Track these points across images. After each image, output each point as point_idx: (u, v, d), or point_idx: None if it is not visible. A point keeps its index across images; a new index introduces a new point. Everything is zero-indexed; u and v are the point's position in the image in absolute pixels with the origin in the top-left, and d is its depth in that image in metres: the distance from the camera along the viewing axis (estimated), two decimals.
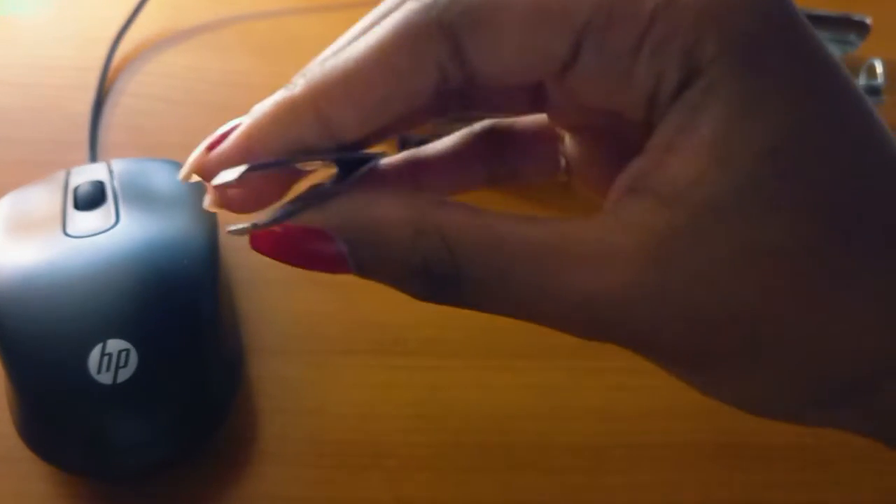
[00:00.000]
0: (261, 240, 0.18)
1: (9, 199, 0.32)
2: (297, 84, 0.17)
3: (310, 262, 0.18)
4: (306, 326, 0.32)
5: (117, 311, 0.27)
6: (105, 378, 0.26)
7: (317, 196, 0.18)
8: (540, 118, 0.22)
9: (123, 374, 0.26)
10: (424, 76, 0.17)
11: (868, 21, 0.41)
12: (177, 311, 0.28)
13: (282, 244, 0.18)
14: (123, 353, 0.26)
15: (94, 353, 0.26)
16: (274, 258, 0.18)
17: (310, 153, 0.18)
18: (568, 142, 0.22)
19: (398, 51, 0.17)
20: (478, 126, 0.23)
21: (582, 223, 0.17)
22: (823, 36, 0.41)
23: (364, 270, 0.18)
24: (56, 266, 0.28)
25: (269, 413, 0.30)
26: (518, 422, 0.30)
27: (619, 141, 0.19)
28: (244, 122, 0.18)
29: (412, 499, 0.28)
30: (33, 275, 0.28)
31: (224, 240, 0.31)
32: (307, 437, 0.29)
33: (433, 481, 0.28)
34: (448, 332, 0.32)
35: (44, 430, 0.26)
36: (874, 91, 0.38)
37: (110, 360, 0.26)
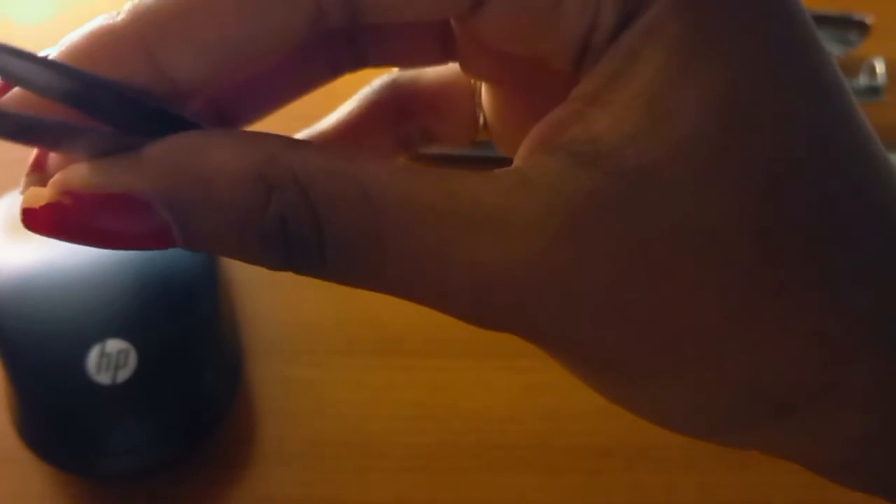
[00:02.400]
0: (39, 216, 0.13)
1: (9, 199, 0.32)
2: (122, 11, 0.13)
3: (116, 240, 0.14)
4: (306, 327, 0.32)
5: (116, 312, 0.27)
6: (104, 378, 0.26)
7: (115, 145, 0.13)
8: (449, 69, 0.19)
9: (122, 375, 0.26)
10: (292, 7, 0.13)
11: (868, 21, 0.41)
12: (176, 311, 0.28)
13: (72, 219, 0.13)
14: (122, 354, 0.26)
15: (94, 353, 0.26)
16: (62, 238, 0.14)
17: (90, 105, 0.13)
18: (485, 94, 0.19)
19: None
20: (376, 83, 0.19)
21: (477, 181, 0.13)
22: (824, 36, 0.41)
23: (196, 242, 0.14)
24: (55, 266, 0.28)
25: (268, 413, 0.30)
26: (518, 422, 0.30)
27: (544, 93, 0.16)
28: (51, 53, 0.14)
29: (412, 499, 0.28)
30: (33, 275, 0.28)
31: None
32: (307, 437, 0.29)
33: (433, 482, 0.28)
34: (448, 332, 0.32)
35: (43, 430, 0.26)
36: (875, 91, 0.38)
37: (109, 360, 0.26)
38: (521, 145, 0.14)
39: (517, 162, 0.14)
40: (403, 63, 0.18)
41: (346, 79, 0.18)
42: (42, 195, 0.13)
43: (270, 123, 0.16)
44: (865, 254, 0.14)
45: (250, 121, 0.17)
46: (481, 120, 0.19)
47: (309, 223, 0.13)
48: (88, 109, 0.13)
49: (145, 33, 0.13)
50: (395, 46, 0.17)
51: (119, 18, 0.13)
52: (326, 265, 0.14)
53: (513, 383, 0.31)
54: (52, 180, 0.14)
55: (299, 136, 0.18)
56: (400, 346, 0.32)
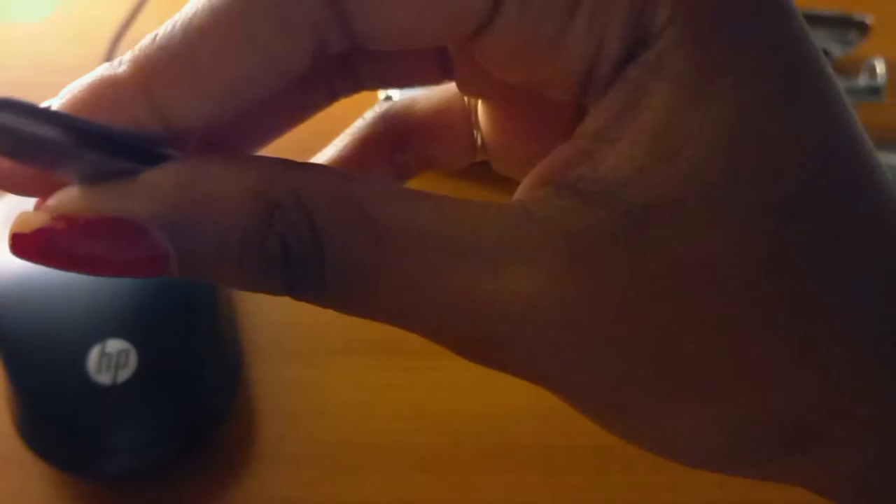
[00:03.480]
0: (29, 241, 0.13)
1: (8, 199, 0.32)
2: (123, 61, 0.13)
3: (108, 267, 0.13)
4: (306, 327, 0.32)
5: (117, 312, 0.27)
6: (104, 378, 0.26)
7: (111, 169, 0.13)
8: (443, 92, 0.19)
9: (123, 375, 0.26)
10: (295, 44, 0.13)
11: (868, 21, 0.41)
12: (176, 311, 0.28)
13: (63, 245, 0.13)
14: (123, 354, 0.26)
15: (94, 353, 0.26)
16: (51, 265, 0.13)
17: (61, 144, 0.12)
18: (482, 112, 0.18)
19: (256, 11, 0.13)
20: (369, 116, 0.18)
21: (480, 211, 0.13)
22: (824, 35, 0.41)
23: (193, 267, 0.13)
24: None
25: (268, 414, 0.30)
26: (518, 422, 0.30)
27: (544, 109, 0.16)
28: (53, 104, 0.13)
29: (412, 499, 0.28)
30: (33, 275, 0.28)
31: None
32: (307, 437, 0.29)
33: (433, 482, 0.28)
34: None
35: (43, 429, 0.26)
36: (875, 91, 0.38)
37: (110, 360, 0.26)
38: (525, 180, 0.14)
39: (520, 196, 0.14)
40: (400, 84, 0.18)
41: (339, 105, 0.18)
42: (33, 220, 0.13)
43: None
44: (875, 283, 0.14)
45: (221, 123, 0.17)
46: (478, 141, 0.19)
47: (311, 244, 0.13)
48: (84, 150, 0.13)
49: (146, 82, 0.13)
50: (393, 69, 0.17)
51: (120, 69, 0.13)
52: (326, 289, 0.14)
53: (513, 383, 0.31)
54: (44, 205, 0.13)
55: None
56: (400, 346, 0.31)
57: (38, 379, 0.26)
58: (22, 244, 0.13)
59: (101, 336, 0.26)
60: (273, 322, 0.32)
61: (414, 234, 0.13)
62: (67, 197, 0.13)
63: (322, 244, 0.13)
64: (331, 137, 0.19)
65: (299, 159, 0.18)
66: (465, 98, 0.18)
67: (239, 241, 0.13)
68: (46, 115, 0.12)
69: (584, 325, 0.13)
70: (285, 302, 0.35)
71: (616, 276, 0.13)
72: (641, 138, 0.13)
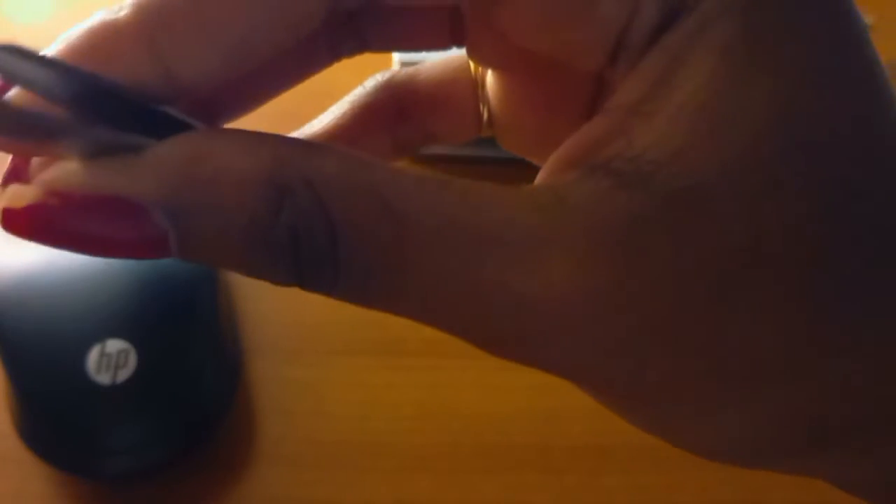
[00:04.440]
0: (21, 217, 0.12)
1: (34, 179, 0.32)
2: (124, 5, 0.12)
3: (105, 247, 0.12)
4: (306, 327, 0.32)
5: (117, 312, 0.27)
6: (104, 378, 0.26)
7: (112, 145, 0.12)
8: (450, 61, 0.18)
9: (122, 375, 0.26)
10: None
11: (868, 20, 0.41)
12: (176, 311, 0.28)
13: (57, 223, 0.12)
14: (122, 354, 0.26)
15: (94, 353, 0.26)
16: (44, 242, 0.12)
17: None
18: (492, 84, 0.17)
19: None
20: (370, 84, 0.17)
21: (507, 197, 0.12)
22: None
23: (195, 252, 0.12)
24: (55, 266, 0.28)
25: (268, 414, 0.30)
26: (518, 422, 0.30)
27: (559, 89, 0.15)
28: (48, 53, 0.13)
29: (412, 499, 0.28)
30: (33, 275, 0.28)
31: None
32: (306, 437, 0.29)
33: (433, 482, 0.28)
34: None
35: (43, 429, 0.26)
36: None
37: (109, 360, 0.26)
38: (550, 160, 0.13)
39: (547, 178, 0.13)
40: (406, 48, 0.16)
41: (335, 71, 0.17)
42: (25, 194, 0.12)
43: (253, 124, 0.15)
44: None
45: (238, 113, 0.16)
46: (485, 115, 0.18)
47: (323, 234, 0.12)
48: (86, 110, 0.12)
49: (150, 29, 0.12)
50: (400, 30, 0.16)
51: (121, 14, 0.12)
52: (339, 282, 0.13)
53: (513, 383, 0.31)
54: (37, 179, 0.13)
55: None
56: (400, 346, 0.31)
57: (37, 379, 0.26)
58: (12, 220, 0.12)
59: (100, 336, 0.26)
60: (273, 322, 0.32)
61: (437, 223, 0.12)
62: (63, 172, 0.12)
63: (335, 234, 0.12)
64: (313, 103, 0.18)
65: (285, 128, 0.16)
66: (473, 69, 0.17)
67: (245, 228, 0.12)
68: (45, 60, 0.12)
69: (623, 321, 0.12)
70: (285, 302, 0.35)
71: (658, 268, 0.12)
72: (682, 113, 0.12)
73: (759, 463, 0.14)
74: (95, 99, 0.12)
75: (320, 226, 0.12)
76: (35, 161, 0.13)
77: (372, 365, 0.31)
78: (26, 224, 0.12)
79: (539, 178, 0.13)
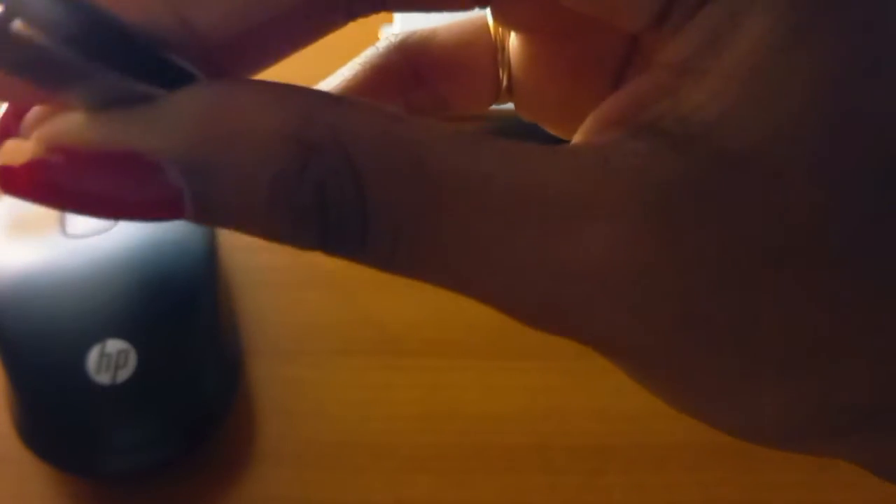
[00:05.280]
0: (20, 175, 0.11)
1: (8, 199, 0.32)
2: None
3: (113, 208, 0.11)
4: (305, 327, 0.32)
5: (116, 312, 0.27)
6: (104, 378, 0.26)
7: (122, 94, 0.11)
8: (467, 23, 0.17)
9: (122, 375, 0.26)
10: None
11: None
12: (176, 311, 0.28)
13: (61, 181, 0.11)
14: (122, 354, 0.26)
15: (94, 353, 0.26)
16: (46, 203, 0.11)
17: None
18: (516, 47, 0.16)
19: None
20: (382, 45, 0.16)
21: (547, 157, 0.12)
22: None
23: (212, 215, 0.12)
24: (55, 266, 0.28)
25: (267, 414, 0.30)
26: (518, 422, 0.30)
27: (592, 52, 0.15)
28: None
29: (412, 499, 0.28)
30: (33, 275, 0.28)
31: (223, 240, 0.31)
32: (306, 437, 0.29)
33: (433, 482, 0.28)
34: (448, 333, 0.32)
35: (43, 429, 0.26)
36: None
37: (109, 360, 0.26)
38: (590, 118, 0.13)
39: (588, 137, 0.12)
40: (425, 6, 0.15)
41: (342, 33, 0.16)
42: (24, 150, 0.11)
43: None
44: None
45: (248, 73, 0.15)
46: (504, 81, 0.17)
47: (352, 194, 0.11)
48: (94, 52, 0.11)
49: None
50: None
51: None
52: (367, 246, 0.12)
53: (513, 383, 0.31)
54: (37, 133, 0.11)
55: None
56: (400, 346, 0.31)
57: (37, 379, 0.26)
58: (10, 179, 0.11)
59: (100, 336, 0.26)
60: (273, 322, 0.32)
61: (475, 184, 0.11)
62: (67, 124, 0.11)
63: (365, 194, 0.11)
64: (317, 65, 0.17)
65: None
66: (493, 32, 0.16)
67: (268, 187, 0.11)
68: None
69: (670, 290, 0.12)
70: (285, 302, 0.35)
71: (707, 235, 0.11)
72: (735, 73, 0.11)
73: (795, 445, 0.14)
74: (104, 40, 0.11)
75: (349, 185, 0.11)
76: (30, 115, 0.12)
77: (372, 365, 0.31)
78: (26, 183, 0.11)
79: (578, 137, 0.13)
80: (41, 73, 0.11)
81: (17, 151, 0.11)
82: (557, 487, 0.28)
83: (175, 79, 0.12)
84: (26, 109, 0.12)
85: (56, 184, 0.11)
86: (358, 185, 0.11)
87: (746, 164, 0.11)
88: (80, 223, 0.30)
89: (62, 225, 0.30)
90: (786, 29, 0.11)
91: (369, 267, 0.12)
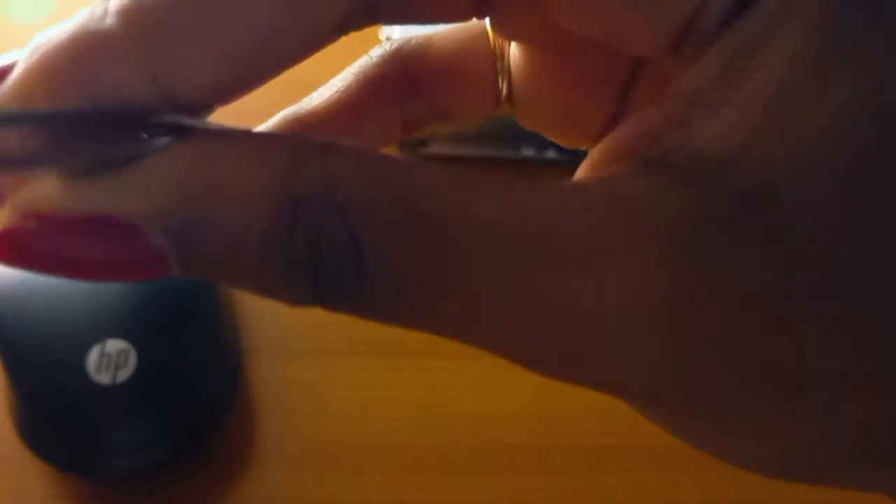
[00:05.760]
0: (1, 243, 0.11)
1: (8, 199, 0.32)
2: (109, 12, 0.10)
3: (93, 270, 0.11)
4: (305, 327, 0.32)
5: (117, 312, 0.27)
6: (104, 378, 0.26)
7: (90, 158, 0.11)
8: (466, 30, 0.16)
9: (122, 375, 0.26)
10: None
11: None
12: (176, 311, 0.28)
13: (37, 248, 0.11)
14: (122, 354, 0.26)
15: (94, 353, 0.26)
16: (24, 269, 0.11)
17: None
18: (517, 56, 0.16)
19: None
20: (377, 53, 0.16)
21: (557, 197, 0.11)
22: None
23: (198, 273, 0.11)
24: None
25: (268, 414, 0.30)
26: (518, 422, 0.30)
27: (594, 65, 0.14)
28: (19, 66, 0.11)
29: (412, 499, 0.28)
30: (33, 275, 0.28)
31: None
32: (306, 437, 0.29)
33: (433, 482, 0.28)
34: None
35: (43, 429, 0.26)
36: None
37: (109, 360, 0.26)
38: (596, 150, 0.12)
39: (595, 170, 0.12)
40: (421, 20, 0.14)
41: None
42: None
43: (250, 98, 0.13)
44: None
45: (236, 95, 0.14)
46: (504, 90, 0.16)
47: (346, 246, 0.11)
48: (62, 126, 0.10)
49: (144, 41, 0.10)
50: (418, 1, 0.14)
51: (108, 22, 0.10)
52: (365, 300, 0.11)
53: (513, 383, 0.31)
54: (9, 200, 0.11)
55: (284, 114, 0.15)
56: (400, 346, 0.31)
57: (37, 379, 0.26)
58: None
59: (100, 336, 0.26)
60: (273, 322, 0.32)
61: (477, 230, 0.11)
62: (40, 192, 0.11)
63: (360, 245, 0.11)
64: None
65: (289, 102, 0.14)
66: (492, 39, 0.16)
67: (257, 246, 0.11)
68: (13, 116, 0.10)
69: (692, 335, 0.11)
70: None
71: (729, 276, 0.11)
72: (756, 103, 0.10)
73: (818, 481, 0.13)
74: (73, 115, 0.10)
75: (342, 237, 0.11)
76: (3, 181, 0.12)
77: (372, 365, 0.31)
78: (2, 250, 0.11)
79: (584, 170, 0.12)
80: (11, 163, 0.11)
81: None
82: (557, 487, 0.28)
83: (155, 133, 0.11)
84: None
85: (32, 250, 0.11)
86: (352, 237, 0.11)
87: (768, 198, 0.10)
88: None
89: None
90: (812, 53, 0.10)
91: (369, 320, 0.12)
